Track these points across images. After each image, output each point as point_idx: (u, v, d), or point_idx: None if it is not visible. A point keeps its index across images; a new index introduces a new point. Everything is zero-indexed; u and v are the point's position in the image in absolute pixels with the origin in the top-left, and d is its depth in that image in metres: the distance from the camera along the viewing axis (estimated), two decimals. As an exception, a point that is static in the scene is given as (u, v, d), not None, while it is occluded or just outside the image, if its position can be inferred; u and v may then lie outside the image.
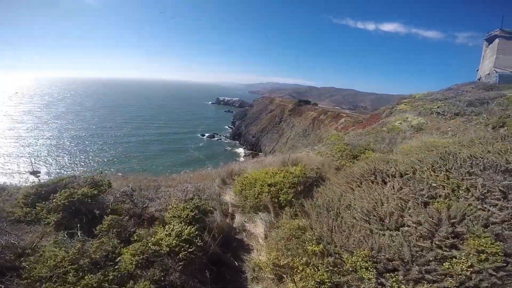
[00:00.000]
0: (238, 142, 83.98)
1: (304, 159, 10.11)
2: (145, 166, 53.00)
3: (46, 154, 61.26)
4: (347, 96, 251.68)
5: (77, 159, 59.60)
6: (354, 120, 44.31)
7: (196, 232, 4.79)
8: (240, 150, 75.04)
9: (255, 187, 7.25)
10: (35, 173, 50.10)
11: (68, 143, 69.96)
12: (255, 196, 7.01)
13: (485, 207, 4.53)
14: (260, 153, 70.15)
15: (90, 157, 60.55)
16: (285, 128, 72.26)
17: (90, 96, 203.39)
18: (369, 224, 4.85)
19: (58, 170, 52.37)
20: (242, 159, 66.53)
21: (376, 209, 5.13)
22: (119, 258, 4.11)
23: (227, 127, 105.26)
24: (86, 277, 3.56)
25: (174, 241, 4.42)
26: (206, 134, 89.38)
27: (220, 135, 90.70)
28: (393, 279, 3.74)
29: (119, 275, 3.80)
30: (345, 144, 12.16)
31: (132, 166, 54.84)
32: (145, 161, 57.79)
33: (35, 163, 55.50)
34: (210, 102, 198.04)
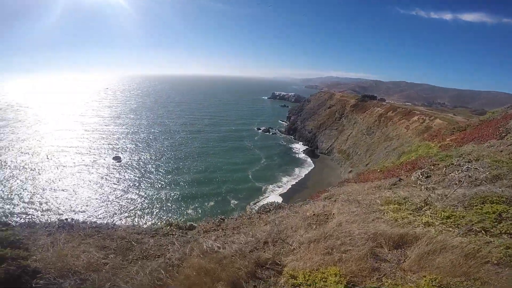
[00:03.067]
0: (293, 137, 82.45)
1: (417, 234, 4.79)
2: (205, 163, 56.07)
3: (129, 142, 70.05)
4: (421, 91, 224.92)
5: (151, 149, 66.55)
6: (450, 125, 31.95)
7: None
8: (296, 146, 73.47)
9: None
10: (117, 158, 58.46)
11: (151, 135, 78.48)
12: None
13: None
14: (317, 150, 67.59)
15: (163, 147, 67.02)
16: (346, 124, 67.80)
17: (161, 92, 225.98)
18: None
19: (136, 157, 59.15)
20: (301, 155, 64.96)
21: None
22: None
23: (282, 121, 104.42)
24: None
25: None
26: (262, 128, 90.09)
27: (275, 129, 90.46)
28: None
29: None
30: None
31: (194, 164, 58.17)
32: (205, 156, 60.71)
33: (118, 149, 63.96)
34: (266, 97, 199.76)
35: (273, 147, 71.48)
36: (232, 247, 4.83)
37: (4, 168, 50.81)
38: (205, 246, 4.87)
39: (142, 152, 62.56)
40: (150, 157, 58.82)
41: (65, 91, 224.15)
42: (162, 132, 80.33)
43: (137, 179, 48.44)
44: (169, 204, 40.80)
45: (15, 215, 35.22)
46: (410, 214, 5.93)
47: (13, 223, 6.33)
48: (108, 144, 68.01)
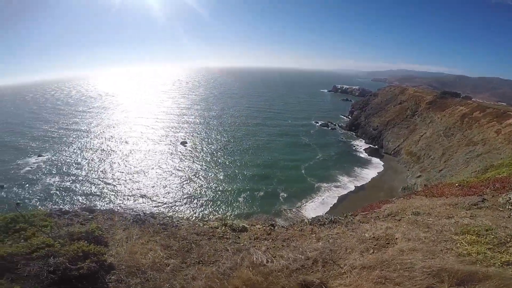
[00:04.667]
0: (355, 133, 77.20)
1: (489, 273, 4.07)
2: (260, 155, 56.75)
3: (195, 131, 76.12)
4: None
5: (213, 139, 70.90)
6: None
7: None
8: (358, 143, 68.65)
9: None
10: (184, 143, 64.53)
11: (214, 126, 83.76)
12: None
13: None
14: (381, 150, 62.09)
15: (223, 137, 70.80)
16: (419, 123, 60.19)
17: (225, 84, 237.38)
18: None
19: (199, 144, 63.90)
20: (363, 154, 60.63)
21: None
22: None
23: (343, 116, 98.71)
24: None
25: None
26: (320, 122, 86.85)
27: (335, 124, 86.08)
28: None
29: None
30: None
31: (248, 156, 59.80)
32: (260, 149, 61.37)
33: (184, 135, 70.21)
34: (326, 90, 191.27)
35: (331, 143, 68.29)
36: (280, 262, 4.96)
37: (86, 151, 60.94)
38: (254, 258, 5.11)
39: (205, 140, 67.15)
40: (211, 146, 62.74)
41: (144, 82, 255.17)
42: (223, 123, 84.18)
43: (198, 164, 52.59)
44: (221, 189, 43.08)
45: (96, 198, 41.62)
46: (489, 249, 5.05)
47: (97, 209, 7.29)
48: (177, 130, 75.25)
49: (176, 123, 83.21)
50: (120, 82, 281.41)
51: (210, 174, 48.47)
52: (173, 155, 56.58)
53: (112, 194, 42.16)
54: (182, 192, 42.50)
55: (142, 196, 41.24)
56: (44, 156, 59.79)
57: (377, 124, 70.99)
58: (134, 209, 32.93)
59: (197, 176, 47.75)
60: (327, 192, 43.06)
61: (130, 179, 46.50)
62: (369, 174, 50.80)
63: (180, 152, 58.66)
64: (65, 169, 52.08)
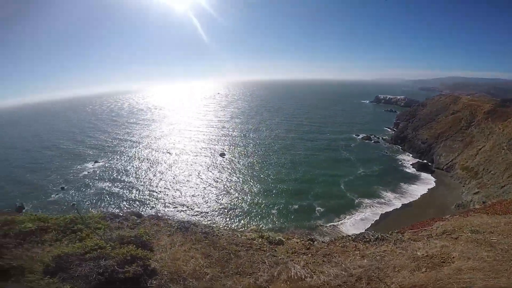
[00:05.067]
0: (400, 147, 71.85)
1: None
2: (295, 170, 55.68)
3: (233, 141, 78.27)
4: None
5: (253, 149, 72.00)
6: None
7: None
8: (404, 158, 63.66)
9: None
10: (222, 155, 66.64)
11: (252, 139, 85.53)
12: None
13: None
14: (431, 164, 56.77)
15: (260, 149, 71.55)
16: (477, 135, 54.03)
17: (263, 97, 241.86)
18: None
19: (237, 155, 65.48)
20: (410, 169, 56.17)
21: None
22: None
23: (387, 129, 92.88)
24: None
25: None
26: (361, 135, 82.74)
27: (378, 137, 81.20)
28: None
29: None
30: None
31: (284, 169, 59.45)
32: (295, 162, 60.46)
33: (223, 147, 72.52)
34: (367, 101, 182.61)
35: (374, 157, 64.33)
36: (320, 278, 4.82)
37: (135, 160, 66.14)
38: (292, 272, 5.04)
39: (243, 152, 68.37)
40: (248, 158, 63.51)
41: (188, 96, 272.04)
42: (261, 136, 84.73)
43: (234, 175, 53.66)
44: (256, 202, 43.26)
45: (141, 203, 44.77)
46: None
47: (144, 214, 7.72)
48: (216, 142, 78.06)
49: (216, 135, 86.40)
50: (167, 96, 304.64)
51: (245, 186, 49.04)
52: (212, 166, 58.61)
53: (156, 201, 44.92)
54: (219, 202, 43.57)
55: (182, 204, 43.18)
56: (99, 162, 66.76)
57: (426, 137, 65.33)
58: (176, 216, 34.66)
59: (233, 187, 48.67)
60: (369, 209, 40.63)
61: (172, 188, 49.17)
62: (417, 190, 46.74)
63: (219, 163, 60.54)
64: (116, 175, 57.15)
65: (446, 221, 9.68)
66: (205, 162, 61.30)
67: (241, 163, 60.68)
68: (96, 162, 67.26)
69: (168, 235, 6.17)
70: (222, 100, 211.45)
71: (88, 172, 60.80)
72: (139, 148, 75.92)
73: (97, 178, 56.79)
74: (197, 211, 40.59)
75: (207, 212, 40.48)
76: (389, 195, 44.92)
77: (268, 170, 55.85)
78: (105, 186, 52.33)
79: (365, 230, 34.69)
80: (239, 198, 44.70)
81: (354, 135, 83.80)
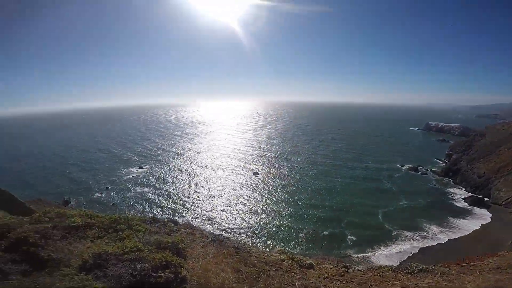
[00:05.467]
0: (452, 180, 64.69)
1: None
2: (329, 197, 53.26)
3: (268, 162, 78.58)
4: None
5: (285, 173, 71.38)
6: None
7: None
8: (455, 191, 57.00)
9: None
10: (256, 173, 66.92)
11: (287, 161, 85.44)
12: None
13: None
14: (487, 199, 50.08)
15: (295, 174, 70.49)
16: (549, 174, 46.49)
17: (301, 119, 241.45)
18: None
19: (271, 176, 65.29)
20: (461, 203, 50.38)
21: None
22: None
23: (438, 160, 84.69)
24: None
25: None
26: (407, 166, 76.52)
27: (427, 169, 74.28)
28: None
29: None
30: None
31: (318, 195, 57.47)
32: (331, 189, 57.77)
33: (257, 166, 73.03)
34: (416, 129, 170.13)
35: (420, 189, 58.75)
36: None
37: (175, 170, 69.56)
38: None
39: (277, 173, 67.76)
40: (281, 181, 62.44)
41: (230, 113, 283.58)
42: (297, 159, 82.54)
43: (265, 196, 53.19)
44: (284, 224, 42.19)
45: (176, 211, 46.46)
46: None
47: (179, 222, 7.91)
48: (251, 160, 78.90)
49: (251, 154, 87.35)
50: (210, 112, 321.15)
51: (275, 207, 48.33)
52: (244, 184, 59.07)
53: (187, 211, 46.42)
54: (246, 220, 43.44)
55: (211, 218, 43.90)
56: (143, 168, 72.04)
57: (484, 171, 58.11)
58: (207, 228, 35.18)
59: (262, 207, 48.27)
60: (408, 242, 37.49)
61: (204, 201, 50.50)
62: (468, 225, 42.05)
63: (252, 182, 60.81)
64: (156, 182, 60.69)
65: (501, 256, 8.58)
66: (239, 180, 62.00)
67: (274, 184, 60.03)
68: (140, 167, 72.65)
69: (202, 245, 6.23)
70: (260, 120, 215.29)
71: (132, 176, 65.85)
72: (180, 160, 79.95)
73: (138, 182, 60.99)
74: (224, 226, 40.81)
75: (234, 229, 40.54)
76: (434, 228, 40.94)
77: (301, 194, 54.23)
78: (144, 191, 55.90)
79: (402, 262, 31.87)
80: (267, 218, 44.09)
81: (398, 165, 77.85)
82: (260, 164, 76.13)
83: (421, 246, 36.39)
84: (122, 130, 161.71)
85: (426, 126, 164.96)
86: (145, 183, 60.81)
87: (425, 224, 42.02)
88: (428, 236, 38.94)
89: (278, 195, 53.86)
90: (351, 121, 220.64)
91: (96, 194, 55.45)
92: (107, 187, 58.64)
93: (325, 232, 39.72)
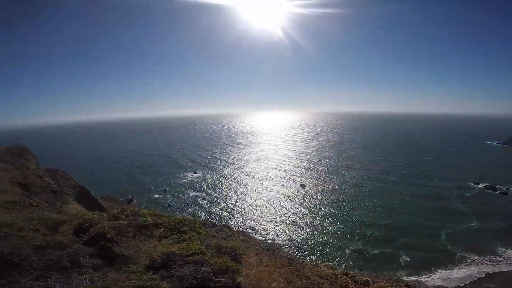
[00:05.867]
0: (544, 206, 53.22)
1: None
2: (385, 215, 48.70)
3: (317, 175, 76.41)
4: None
5: (335, 188, 68.30)
6: None
7: None
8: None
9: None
10: (303, 186, 65.30)
11: (340, 175, 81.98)
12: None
13: None
14: None
15: (347, 188, 66.92)
16: None
17: (355, 131, 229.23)
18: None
19: (320, 189, 63.00)
20: None
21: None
22: None
23: (524, 180, 70.95)
24: None
25: None
26: (481, 184, 65.85)
27: (507, 188, 62.84)
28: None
29: None
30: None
31: (372, 213, 53.29)
32: (388, 208, 52.66)
33: (305, 179, 71.41)
34: (495, 142, 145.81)
35: (497, 210, 50.14)
36: None
37: (225, 178, 72.13)
38: None
39: (326, 187, 64.91)
40: (331, 195, 59.19)
41: (279, 125, 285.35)
42: (350, 174, 77.28)
43: (312, 209, 51.32)
44: (331, 238, 40.43)
45: (220, 218, 47.87)
46: None
47: (233, 228, 8.19)
48: (299, 172, 77.48)
49: (300, 167, 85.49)
50: (261, 123, 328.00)
51: (321, 222, 46.34)
52: (291, 196, 58.07)
53: (233, 218, 47.70)
54: (290, 232, 42.61)
55: (253, 227, 43.98)
56: (197, 174, 76.98)
57: None
58: (255, 237, 35.43)
59: (307, 221, 46.74)
60: (475, 266, 33.24)
61: (249, 210, 51.22)
62: None
63: (299, 194, 59.47)
64: (207, 188, 64.15)
65: None
66: (285, 191, 61.21)
67: (321, 198, 57.46)
68: (194, 173, 78.04)
69: (255, 253, 6.30)
70: (310, 131, 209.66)
71: (187, 180, 70.95)
72: (229, 169, 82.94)
73: (192, 187, 65.27)
74: (265, 237, 40.39)
75: (276, 240, 39.60)
76: (510, 252, 35.27)
77: (352, 211, 50.80)
78: (196, 195, 59.59)
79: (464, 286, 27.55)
80: (312, 232, 42.50)
81: (471, 183, 67.51)
82: (308, 176, 74.11)
83: (490, 271, 31.96)
84: (181, 137, 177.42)
85: (509, 140, 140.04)
86: (198, 188, 64.72)
87: (499, 248, 36.41)
88: (501, 260, 33.86)
89: (325, 209, 51.49)
90: (415, 133, 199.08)
91: (155, 195, 61.07)
92: (165, 189, 64.24)
93: (375, 251, 36.76)
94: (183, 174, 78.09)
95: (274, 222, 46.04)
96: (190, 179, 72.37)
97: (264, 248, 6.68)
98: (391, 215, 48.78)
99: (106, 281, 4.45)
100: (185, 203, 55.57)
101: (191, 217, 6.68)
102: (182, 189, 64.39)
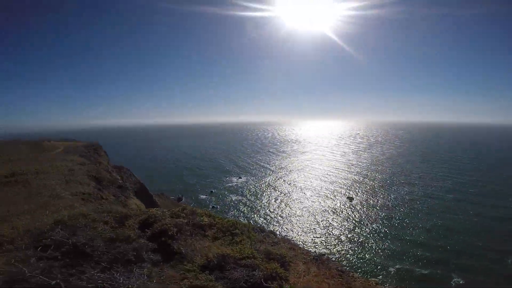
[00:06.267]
0: None
1: None
2: (441, 237, 43.30)
3: (368, 189, 71.41)
4: None
5: (386, 203, 62.95)
6: None
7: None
8: None
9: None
10: (350, 198, 61.46)
11: (395, 187, 75.92)
12: None
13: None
14: None
15: (404, 203, 61.22)
16: None
17: (415, 142, 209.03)
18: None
19: (370, 204, 58.68)
20: None
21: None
22: None
23: None
24: None
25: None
26: None
27: None
28: None
29: None
30: None
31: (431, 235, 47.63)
32: (448, 229, 46.35)
33: (353, 192, 67.22)
34: None
35: None
36: None
37: (267, 186, 72.21)
38: None
39: (376, 203, 59.98)
40: (381, 212, 54.52)
41: (327, 134, 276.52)
42: (408, 190, 69.47)
43: (358, 224, 47.99)
44: (373, 255, 37.69)
45: (267, 224, 47.69)
46: None
47: (279, 235, 8.02)
48: (346, 184, 73.25)
49: (347, 179, 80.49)
50: (307, 131, 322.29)
51: (365, 238, 43.03)
52: (333, 209, 55.22)
53: (273, 227, 46.88)
54: (331, 245, 40.76)
55: (292, 238, 42.54)
56: (241, 179, 78.88)
57: None
58: (300, 246, 34.40)
59: (349, 235, 43.93)
60: None
61: (290, 220, 50.12)
62: None
63: (342, 207, 56.15)
64: (249, 194, 65.30)
65: None
66: (328, 204, 58.25)
67: (370, 213, 53.13)
68: (239, 177, 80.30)
69: (303, 262, 6.09)
70: (362, 142, 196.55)
71: (231, 184, 73.38)
72: (272, 177, 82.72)
73: (235, 191, 67.20)
74: (303, 249, 38.86)
75: (315, 254, 37.84)
76: None
77: (404, 229, 45.99)
78: (240, 199, 60.98)
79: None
80: (355, 248, 39.83)
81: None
82: (356, 189, 69.43)
83: None
84: (228, 143, 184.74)
85: None
86: (241, 192, 66.30)
87: None
88: None
89: (372, 226, 47.61)
90: (492, 146, 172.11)
91: (202, 196, 64.27)
92: (211, 191, 67.28)
93: (423, 271, 33.57)
94: (228, 178, 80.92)
95: (313, 233, 44.49)
96: (234, 184, 74.49)
97: (313, 257, 6.37)
98: (449, 236, 43.24)
99: (162, 277, 4.61)
100: (228, 206, 57.37)
101: (245, 221, 6.69)
102: (226, 192, 66.76)
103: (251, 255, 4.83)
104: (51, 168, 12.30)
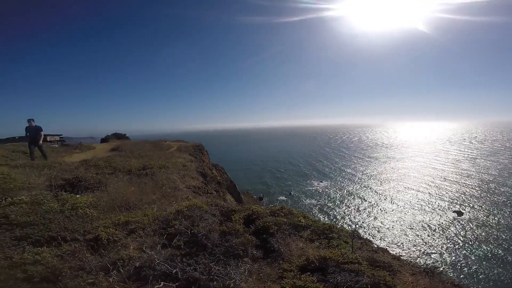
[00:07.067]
0: None
1: None
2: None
3: (481, 203, 58.33)
4: None
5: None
6: None
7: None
8: None
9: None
10: (459, 213, 51.10)
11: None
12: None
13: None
14: None
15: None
16: None
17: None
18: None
19: (485, 220, 47.80)
20: None
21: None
22: None
23: None
24: None
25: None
26: None
27: None
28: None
29: None
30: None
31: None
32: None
33: (462, 206, 55.74)
34: None
35: None
36: None
37: (349, 192, 67.35)
38: None
39: (494, 221, 48.04)
40: (502, 231, 43.34)
41: (429, 137, 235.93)
42: None
43: (467, 243, 38.91)
44: (480, 277, 29.38)
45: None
46: None
47: (373, 244, 7.70)
48: (453, 199, 61.04)
49: (456, 191, 66.61)
50: (401, 135, 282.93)
51: (475, 261, 34.24)
52: (435, 224, 46.83)
53: (368, 237, 43.23)
54: (434, 262, 34.08)
55: (386, 248, 37.89)
56: (322, 183, 76.94)
57: None
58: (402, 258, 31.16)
59: (453, 257, 35.98)
60: None
61: (376, 233, 44.97)
62: None
63: (447, 222, 47.12)
64: (328, 200, 62.70)
65: None
66: (427, 217, 49.72)
67: (483, 232, 42.86)
68: (320, 182, 78.55)
69: (411, 273, 5.70)
70: (481, 148, 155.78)
71: (312, 188, 72.61)
72: (357, 184, 76.64)
73: (314, 196, 65.90)
74: (413, 261, 34.02)
75: (427, 266, 32.55)
76: None
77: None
78: (318, 204, 59.82)
79: None
80: (459, 271, 32.44)
81: None
82: (467, 204, 56.98)
83: None
84: (308, 146, 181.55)
85: None
86: (322, 198, 64.49)
87: None
88: None
89: (484, 247, 38.20)
90: None
91: (281, 197, 65.78)
92: (290, 193, 68.49)
93: None
94: (308, 182, 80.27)
95: (406, 250, 38.69)
96: (314, 188, 73.26)
97: (423, 270, 5.93)
98: None
99: (260, 274, 4.66)
100: (308, 209, 56.78)
101: (350, 227, 6.84)
102: (305, 196, 66.59)
103: (355, 260, 4.80)
104: (170, 163, 15.16)
